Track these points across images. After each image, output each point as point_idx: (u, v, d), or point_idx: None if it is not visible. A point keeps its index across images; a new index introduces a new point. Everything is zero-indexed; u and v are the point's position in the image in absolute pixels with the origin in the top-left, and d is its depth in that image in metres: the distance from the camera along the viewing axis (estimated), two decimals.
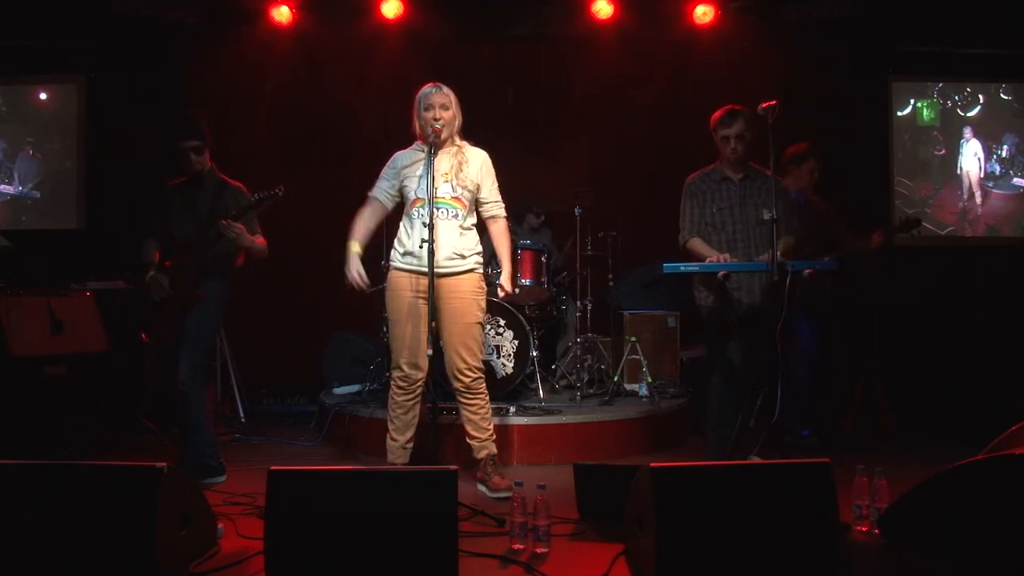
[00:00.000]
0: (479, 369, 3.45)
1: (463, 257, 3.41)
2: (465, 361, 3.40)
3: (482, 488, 3.45)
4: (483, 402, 3.48)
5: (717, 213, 3.66)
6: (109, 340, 4.54)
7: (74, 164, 6.14)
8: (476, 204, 3.51)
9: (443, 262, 3.36)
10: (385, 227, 5.06)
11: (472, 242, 3.48)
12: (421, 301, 3.37)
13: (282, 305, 5.82)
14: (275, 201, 3.48)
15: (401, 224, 3.50)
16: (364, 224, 3.50)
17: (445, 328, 3.42)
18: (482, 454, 3.49)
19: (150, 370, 4.51)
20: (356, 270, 3.41)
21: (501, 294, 3.57)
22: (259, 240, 3.70)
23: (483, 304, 3.50)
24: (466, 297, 3.41)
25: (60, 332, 4.30)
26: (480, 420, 3.48)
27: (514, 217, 5.66)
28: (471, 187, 3.42)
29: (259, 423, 5.05)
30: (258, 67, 5.92)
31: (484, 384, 3.49)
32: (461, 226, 3.42)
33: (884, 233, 4.26)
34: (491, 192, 3.52)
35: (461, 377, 3.42)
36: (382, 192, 3.51)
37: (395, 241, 3.51)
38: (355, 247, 3.44)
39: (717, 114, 3.64)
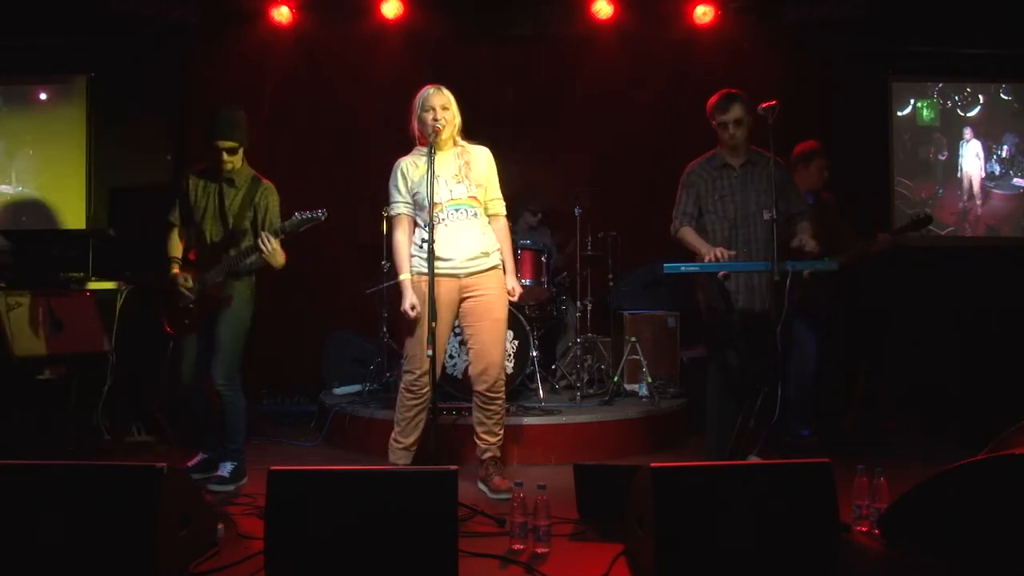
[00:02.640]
0: (503, 369, 3.42)
1: (487, 255, 3.41)
2: (491, 360, 3.37)
3: (483, 487, 3.45)
4: (499, 406, 3.46)
5: (719, 201, 3.63)
6: (109, 340, 4.53)
7: (74, 164, 6.13)
8: None
9: (466, 263, 3.36)
10: (385, 229, 5.09)
11: (493, 238, 3.48)
12: (444, 303, 3.33)
13: (282, 305, 5.81)
14: (316, 225, 3.39)
15: (417, 230, 3.48)
16: (405, 249, 3.44)
17: (470, 326, 3.41)
18: (486, 456, 3.48)
19: (169, 365, 4.49)
20: (411, 302, 3.35)
21: (512, 297, 3.51)
22: (282, 254, 3.54)
23: (502, 301, 3.46)
24: (491, 294, 3.39)
25: (60, 332, 4.30)
26: (494, 425, 3.47)
27: (511, 216, 5.65)
28: (483, 183, 3.43)
29: (259, 423, 5.04)
30: (258, 67, 5.92)
31: (504, 388, 3.46)
32: (482, 224, 3.43)
33: (893, 233, 4.26)
34: (494, 190, 3.52)
35: (485, 378, 3.38)
36: (402, 205, 3.45)
37: (413, 247, 3.47)
38: (405, 277, 3.40)
39: (713, 99, 3.60)
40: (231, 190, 3.59)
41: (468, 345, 3.46)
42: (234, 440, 3.60)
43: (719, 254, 3.40)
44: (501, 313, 3.42)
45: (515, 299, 3.54)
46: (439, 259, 3.29)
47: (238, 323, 3.58)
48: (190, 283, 3.55)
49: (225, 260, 3.53)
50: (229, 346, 3.55)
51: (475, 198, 3.40)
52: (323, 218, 3.38)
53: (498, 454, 3.51)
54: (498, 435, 3.49)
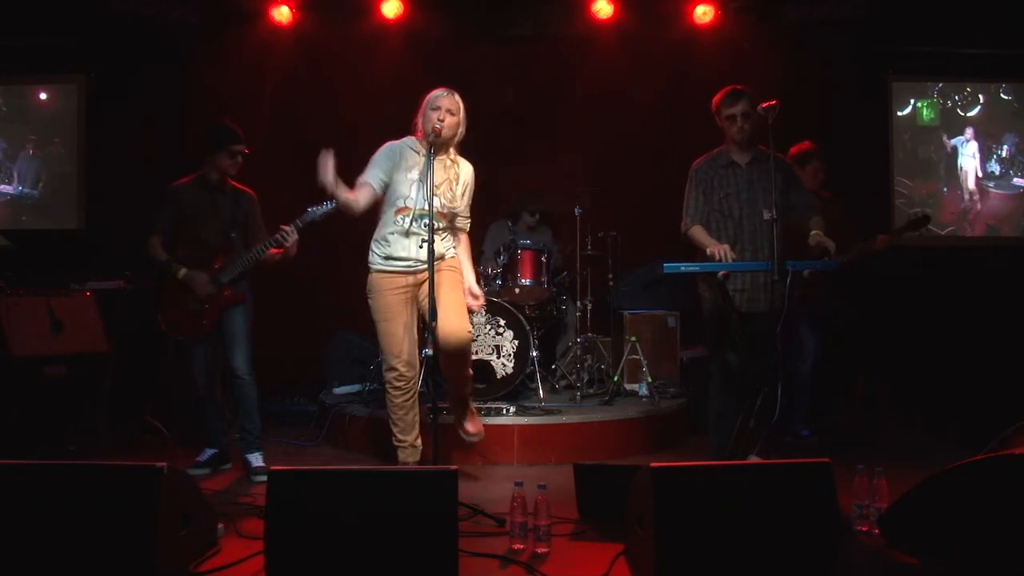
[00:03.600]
0: (469, 332, 3.40)
1: (442, 257, 3.47)
2: (456, 321, 3.32)
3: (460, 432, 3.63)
4: (466, 368, 3.53)
5: (724, 199, 3.60)
6: (109, 340, 4.53)
7: (74, 164, 6.14)
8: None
9: (419, 262, 3.38)
10: None
11: (450, 244, 3.56)
12: (409, 298, 3.42)
13: (282, 305, 5.81)
14: (331, 214, 3.63)
15: (380, 226, 3.46)
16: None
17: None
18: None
19: (175, 367, 4.49)
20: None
21: (475, 302, 3.54)
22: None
23: (460, 279, 3.52)
24: (443, 270, 3.42)
25: (60, 332, 4.30)
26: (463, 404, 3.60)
27: (511, 216, 5.67)
28: (452, 204, 3.46)
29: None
30: (258, 67, 5.92)
31: (470, 352, 3.49)
32: (443, 234, 3.48)
33: (892, 234, 4.26)
34: (466, 208, 3.57)
35: (453, 340, 3.31)
36: (375, 178, 3.40)
37: (373, 244, 3.47)
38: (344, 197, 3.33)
39: (719, 95, 3.59)
40: (223, 196, 3.85)
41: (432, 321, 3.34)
42: (254, 420, 3.84)
43: (722, 252, 3.39)
44: (456, 290, 3.44)
45: (480, 303, 3.58)
46: (394, 259, 3.39)
47: (251, 315, 3.85)
48: (205, 279, 3.75)
49: (241, 258, 3.77)
50: (247, 337, 3.82)
51: (442, 213, 3.42)
52: (335, 208, 3.53)
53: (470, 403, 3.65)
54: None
